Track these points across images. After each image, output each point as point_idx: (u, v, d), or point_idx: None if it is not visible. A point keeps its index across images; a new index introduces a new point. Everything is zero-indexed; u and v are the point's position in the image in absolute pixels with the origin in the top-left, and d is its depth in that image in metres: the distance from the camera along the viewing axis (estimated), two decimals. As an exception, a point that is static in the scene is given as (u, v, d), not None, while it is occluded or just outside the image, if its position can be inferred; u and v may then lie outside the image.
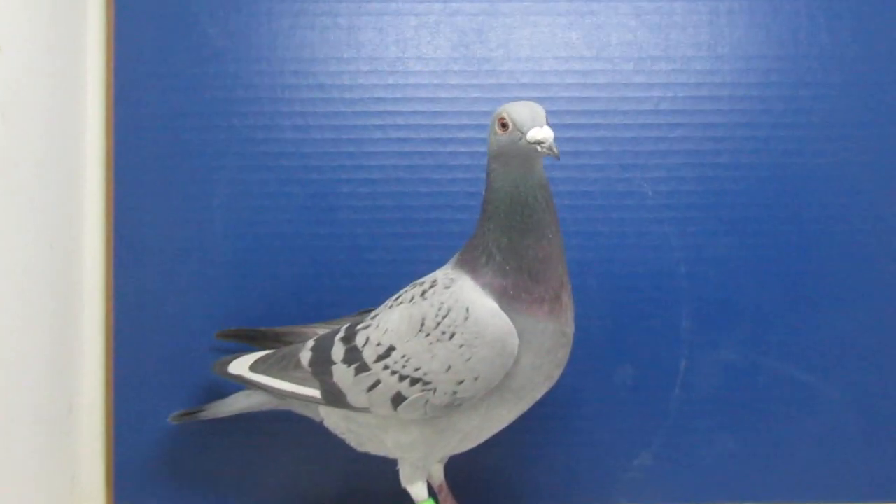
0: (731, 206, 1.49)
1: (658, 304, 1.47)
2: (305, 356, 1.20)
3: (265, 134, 1.48)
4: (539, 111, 1.03)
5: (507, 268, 1.03)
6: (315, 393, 1.17)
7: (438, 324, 1.05)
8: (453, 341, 1.03)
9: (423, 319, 1.06)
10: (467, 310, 1.03)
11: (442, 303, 1.06)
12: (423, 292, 1.10)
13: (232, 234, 1.46)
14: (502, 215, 1.04)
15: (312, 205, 1.47)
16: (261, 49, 1.46)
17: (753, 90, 1.48)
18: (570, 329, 1.10)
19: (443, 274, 1.13)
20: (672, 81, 1.49)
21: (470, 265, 1.08)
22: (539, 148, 0.98)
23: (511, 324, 1.03)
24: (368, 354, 1.12)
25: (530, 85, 1.49)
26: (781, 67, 1.46)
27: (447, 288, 1.07)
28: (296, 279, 1.45)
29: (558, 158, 0.98)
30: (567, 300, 1.08)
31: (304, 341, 1.25)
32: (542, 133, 0.99)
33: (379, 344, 1.10)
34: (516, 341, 1.02)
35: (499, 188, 1.04)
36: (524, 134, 0.99)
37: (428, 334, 1.05)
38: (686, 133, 1.49)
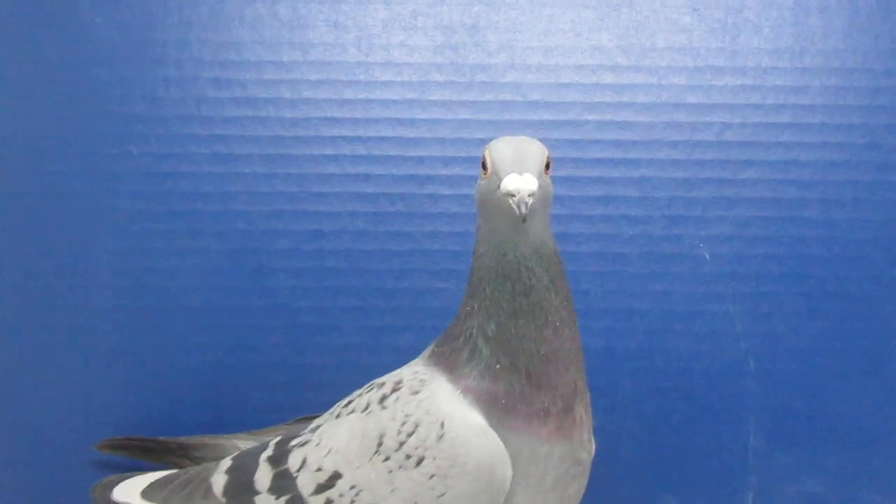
0: (821, 280, 1.21)
1: (716, 415, 1.20)
2: (219, 481, 0.98)
3: (172, 166, 1.20)
4: (527, 151, 0.80)
5: (498, 367, 0.81)
6: (231, 536, 0.95)
7: (402, 444, 0.84)
8: (421, 469, 0.82)
9: (382, 437, 0.85)
10: (442, 425, 0.82)
11: (408, 415, 0.84)
12: (383, 398, 0.88)
13: (123, 307, 1.20)
14: (488, 292, 0.82)
15: (236, 266, 1.20)
16: (167, 47, 1.20)
17: (854, 116, 1.20)
18: (588, 453, 0.88)
19: (411, 372, 0.90)
20: (741, 102, 1.21)
21: (448, 360, 0.86)
22: (511, 203, 0.76)
23: (502, 447, 0.81)
24: (305, 483, 0.90)
25: (542, 104, 1.21)
26: (895, 85, 1.18)
27: (415, 393, 0.85)
28: (210, 369, 1.20)
29: (522, 221, 0.76)
30: (583, 413, 0.86)
31: (218, 459, 1.04)
32: (514, 182, 0.76)
33: (319, 469, 0.89)
34: (509, 472, 0.81)
35: (483, 253, 0.83)
36: (500, 180, 0.78)
37: (387, 458, 0.84)
38: (759, 174, 1.20)
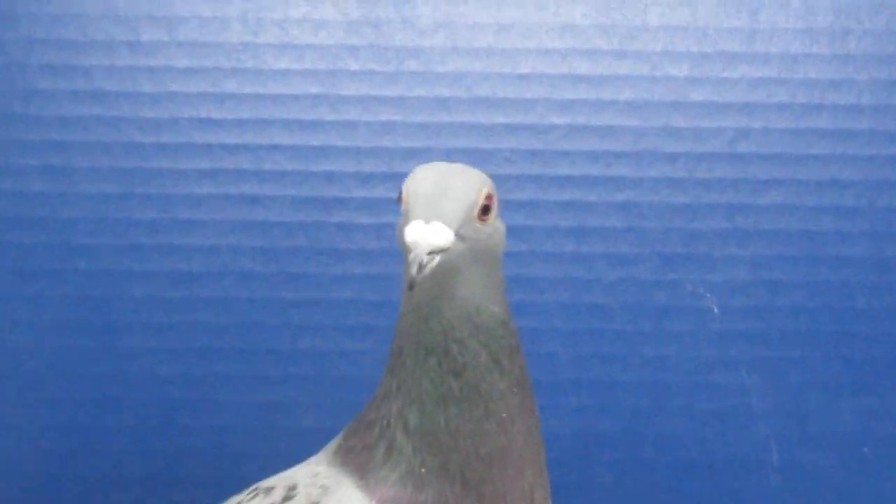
0: (867, 341, 1.10)
1: None
2: None
3: None
4: (447, 188, 0.70)
5: (424, 470, 0.72)
6: None
7: None
8: None
9: None
10: None
11: None
12: None
13: None
14: (409, 368, 0.74)
15: (75, 321, 1.07)
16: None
17: (914, 121, 1.11)
18: None
19: (309, 474, 0.78)
20: (761, 101, 1.11)
21: (359, 459, 0.76)
22: (409, 258, 0.67)
23: None
24: None
25: (494, 102, 1.10)
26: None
27: None
28: (37, 456, 1.06)
29: (409, 288, 0.67)
30: None
31: None
32: (414, 233, 0.67)
33: None
34: None
35: (404, 314, 0.75)
36: (407, 224, 0.70)
37: None
38: (785, 197, 1.10)
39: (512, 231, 0.96)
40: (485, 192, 0.71)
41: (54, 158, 1.05)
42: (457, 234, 0.70)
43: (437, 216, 0.69)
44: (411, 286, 0.67)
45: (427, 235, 0.68)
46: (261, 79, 1.07)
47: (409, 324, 0.75)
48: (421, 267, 0.66)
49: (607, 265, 1.07)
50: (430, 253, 0.67)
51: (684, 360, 1.08)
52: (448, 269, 0.70)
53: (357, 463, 0.77)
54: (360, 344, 1.05)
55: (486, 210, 0.72)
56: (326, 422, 1.00)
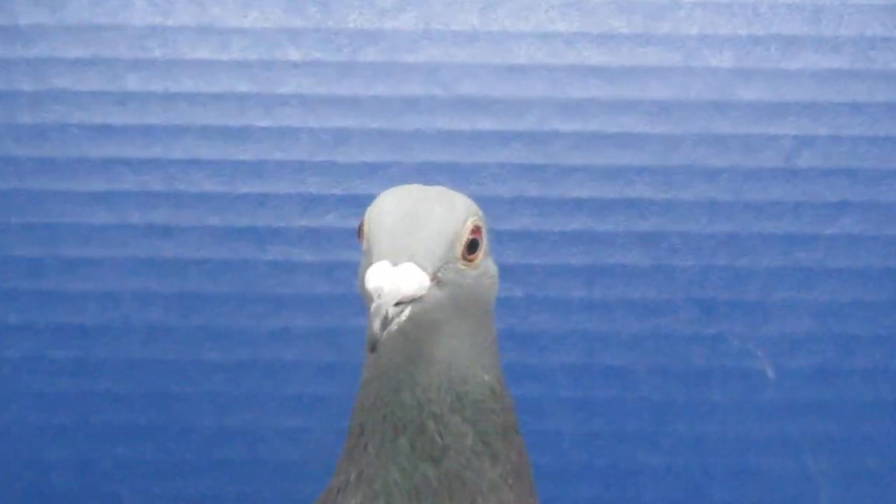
0: None
1: None
2: None
3: None
4: (421, 219, 0.63)
5: None
6: None
7: None
8: None
9: None
10: None
11: None
12: None
13: None
14: (371, 453, 0.67)
15: None
16: None
17: None
18: None
19: None
20: (829, 100, 0.95)
21: None
22: (371, 310, 0.59)
23: None
24: None
25: (481, 103, 0.93)
26: None
27: None
28: None
29: (372, 351, 0.57)
30: None
31: None
32: (378, 278, 0.59)
33: None
34: None
35: (366, 382, 0.67)
36: (369, 266, 0.62)
37: None
38: (861, 226, 0.92)
39: (505, 271, 0.80)
40: (471, 223, 0.62)
41: None
42: (434, 279, 0.61)
43: (408, 256, 0.61)
44: (373, 347, 0.58)
45: (395, 280, 0.59)
46: (172, 72, 0.92)
47: (373, 394, 0.66)
48: (386, 321, 0.58)
49: (628, 315, 0.91)
50: (397, 304, 0.58)
51: (730, 440, 0.92)
52: (423, 324, 0.62)
53: None
54: (305, 420, 0.89)
55: (472, 246, 0.63)
56: None
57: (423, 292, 0.60)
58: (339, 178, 0.92)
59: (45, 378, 0.89)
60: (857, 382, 0.92)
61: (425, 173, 0.88)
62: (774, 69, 0.94)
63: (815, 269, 0.92)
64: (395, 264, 0.59)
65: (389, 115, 0.92)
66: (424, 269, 0.60)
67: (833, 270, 0.93)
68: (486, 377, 0.65)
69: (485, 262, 0.64)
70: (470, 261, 0.62)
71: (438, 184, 0.85)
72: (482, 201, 0.88)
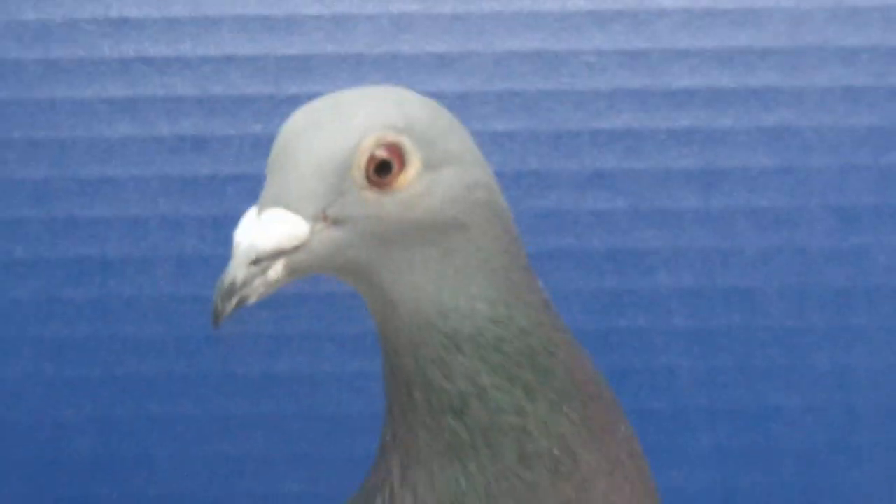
0: None
1: None
2: None
3: None
4: (303, 141, 0.55)
5: None
6: None
7: None
8: None
9: None
10: None
11: None
12: None
13: None
14: (397, 411, 0.61)
15: None
16: None
17: None
18: None
19: None
20: None
21: None
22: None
23: None
24: None
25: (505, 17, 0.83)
26: None
27: None
28: None
29: (214, 322, 0.50)
30: None
31: None
32: (236, 233, 0.53)
33: None
34: None
35: (386, 344, 0.61)
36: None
37: None
38: None
39: (602, 178, 0.81)
40: (372, 140, 0.54)
41: None
42: (323, 219, 0.54)
43: (274, 199, 0.54)
44: (215, 320, 0.52)
45: (250, 234, 0.53)
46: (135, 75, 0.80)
47: (383, 342, 0.60)
48: (232, 290, 0.52)
49: (753, 227, 0.80)
50: (256, 261, 0.52)
51: (879, 374, 0.80)
52: (341, 268, 0.56)
53: None
54: (362, 363, 0.80)
55: (383, 168, 0.55)
56: (320, 483, 0.81)
57: (298, 240, 0.53)
58: (401, 72, 0.80)
59: (60, 322, 0.79)
60: None
61: (505, 63, 0.77)
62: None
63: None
64: (259, 213, 0.53)
65: (389, 36, 0.80)
66: (297, 210, 0.53)
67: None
68: (479, 305, 0.59)
69: (427, 179, 0.56)
70: (384, 184, 0.55)
71: (517, 75, 0.77)
72: (573, 95, 0.81)
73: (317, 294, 0.81)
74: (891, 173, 0.79)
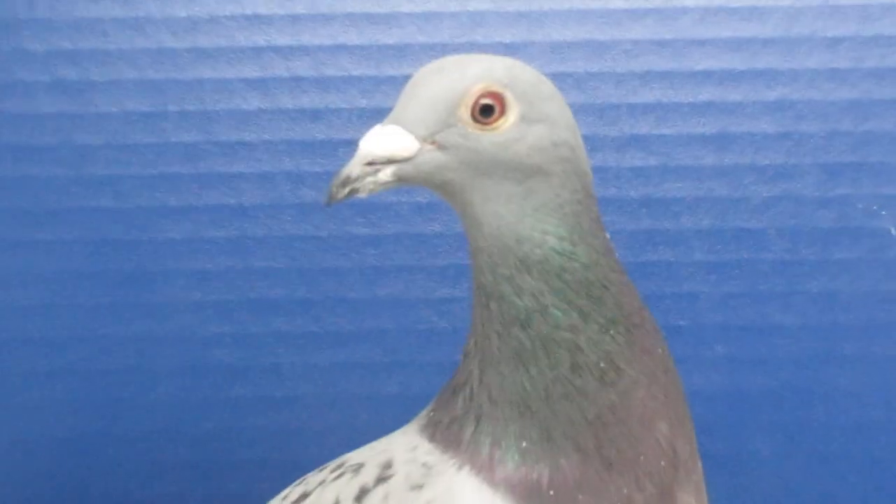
0: None
1: None
2: None
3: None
4: (426, 81, 0.63)
5: (525, 444, 0.66)
6: None
7: None
8: None
9: None
10: None
11: None
12: (362, 493, 0.69)
13: None
14: (477, 322, 0.67)
15: (108, 268, 0.90)
16: None
17: None
18: None
19: (406, 448, 0.70)
20: None
21: (449, 434, 0.68)
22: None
23: None
24: None
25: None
26: None
27: (418, 488, 0.67)
28: (84, 433, 0.90)
29: (325, 203, 0.62)
30: (691, 500, 0.69)
31: None
32: (364, 140, 0.62)
33: None
34: None
35: (473, 258, 0.68)
36: None
37: None
38: None
39: (638, 141, 0.83)
40: (479, 88, 0.61)
41: (66, 71, 0.90)
42: (431, 142, 0.62)
43: (397, 119, 0.62)
44: (327, 200, 0.62)
45: (371, 142, 0.61)
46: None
47: (472, 262, 0.66)
48: (348, 180, 0.61)
49: (758, 180, 0.92)
50: (370, 163, 0.61)
51: (858, 296, 0.93)
52: (435, 184, 0.63)
53: (448, 440, 0.68)
54: (451, 290, 0.91)
55: (485, 111, 0.62)
56: (413, 386, 0.92)
57: (409, 153, 0.61)
58: (485, 31, 0.91)
59: (205, 257, 0.92)
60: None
61: (560, 51, 0.89)
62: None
63: (937, 132, 0.92)
64: (384, 125, 0.62)
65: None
66: (411, 130, 0.61)
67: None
68: (550, 239, 0.65)
69: (521, 129, 0.64)
70: (485, 125, 0.63)
71: (570, 61, 0.90)
72: (613, 77, 0.93)
73: (411, 233, 0.92)
74: (866, 137, 0.91)
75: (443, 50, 0.89)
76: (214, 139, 0.91)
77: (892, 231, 0.91)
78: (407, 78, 0.94)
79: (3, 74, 0.92)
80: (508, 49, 0.89)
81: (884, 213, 0.92)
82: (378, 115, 0.88)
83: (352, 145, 0.88)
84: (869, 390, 0.93)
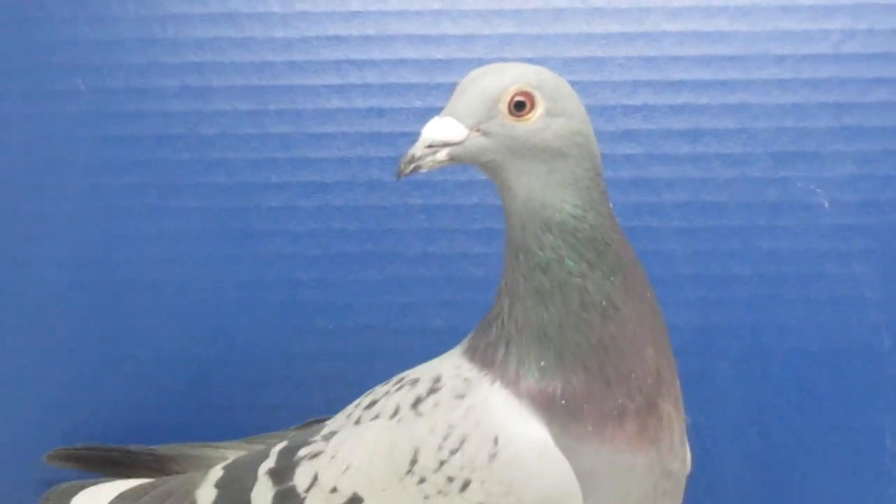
0: None
1: (842, 409, 1.03)
2: (206, 496, 0.85)
3: (131, 103, 1.03)
4: (471, 85, 0.70)
5: (543, 363, 0.70)
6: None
7: (443, 463, 0.71)
8: (466, 496, 0.71)
9: (416, 453, 0.73)
10: (496, 441, 0.70)
11: (451, 426, 0.72)
12: (417, 401, 0.75)
13: (77, 285, 1.04)
14: (508, 267, 0.73)
15: (216, 230, 1.03)
16: None
17: None
18: (682, 462, 0.76)
19: (451, 367, 0.76)
20: (866, 2, 1.03)
21: (484, 356, 0.74)
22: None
23: (571, 472, 0.69)
24: (315, 504, 0.77)
25: (608, 12, 1.03)
26: None
27: (461, 397, 0.72)
28: (188, 361, 1.04)
29: (396, 177, 0.68)
30: (671, 410, 0.73)
31: (204, 469, 0.90)
32: (426, 128, 0.69)
33: (335, 490, 0.77)
34: (578, 501, 0.69)
35: (507, 219, 0.73)
36: None
37: (422, 480, 0.72)
38: (892, 95, 1.02)
39: (630, 135, 0.94)
40: (515, 88, 0.68)
41: (190, 78, 1.04)
42: (477, 130, 0.68)
43: (452, 111, 0.68)
44: (398, 175, 0.67)
45: (430, 129, 0.67)
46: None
47: (506, 221, 0.72)
48: (411, 159, 0.67)
49: (720, 164, 1.03)
50: (429, 146, 0.67)
51: (798, 254, 1.03)
52: (481, 163, 0.69)
53: (484, 360, 0.74)
54: (485, 248, 1.03)
55: (519, 106, 0.68)
56: (455, 321, 1.01)
57: (459, 138, 0.68)
58: (507, 49, 1.02)
59: (297, 222, 1.03)
60: (889, 210, 1.02)
61: (570, 65, 1.01)
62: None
63: (857, 129, 1.02)
64: (442, 117, 0.68)
65: (539, 22, 1.03)
66: (461, 121, 0.68)
67: (874, 129, 1.02)
68: (567, 206, 0.70)
69: (546, 120, 0.69)
70: (519, 117, 0.68)
71: (578, 73, 1.00)
72: (611, 85, 1.00)
73: (454, 203, 1.03)
74: (805, 132, 1.02)
75: (479, 63, 0.96)
76: (304, 131, 1.03)
77: (825, 205, 1.03)
78: (452, 85, 1.00)
79: (142, 81, 1.04)
80: (530, 63, 0.99)
81: (819, 191, 1.03)
82: (429, 113, 0.91)
83: (409, 137, 0.96)
84: (805, 324, 1.03)
